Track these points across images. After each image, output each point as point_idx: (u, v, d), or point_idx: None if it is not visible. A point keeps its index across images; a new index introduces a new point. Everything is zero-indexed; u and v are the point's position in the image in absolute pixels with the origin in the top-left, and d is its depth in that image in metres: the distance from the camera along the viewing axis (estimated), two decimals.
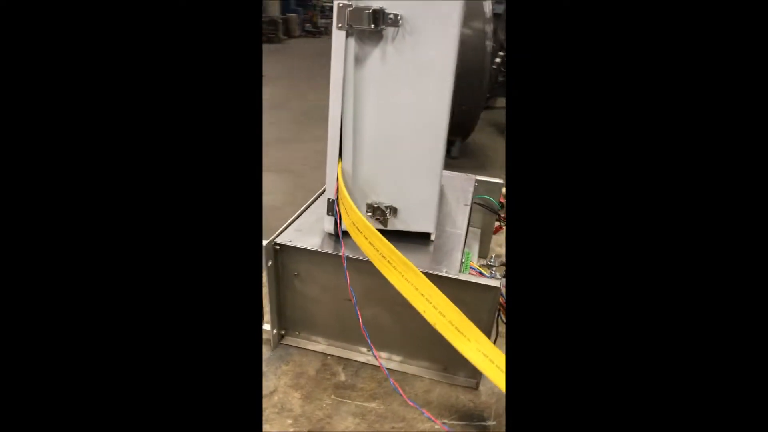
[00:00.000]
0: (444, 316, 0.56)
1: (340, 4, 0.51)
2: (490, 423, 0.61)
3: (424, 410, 0.58)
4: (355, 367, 0.68)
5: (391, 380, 0.59)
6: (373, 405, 0.62)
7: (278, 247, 0.64)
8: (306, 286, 0.66)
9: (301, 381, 0.65)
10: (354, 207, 0.59)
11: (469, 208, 0.78)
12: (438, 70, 0.54)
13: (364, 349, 0.69)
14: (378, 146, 0.59)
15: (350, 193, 0.62)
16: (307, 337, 0.71)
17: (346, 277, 0.59)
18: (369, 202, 0.62)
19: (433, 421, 0.59)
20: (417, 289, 0.56)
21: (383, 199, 0.62)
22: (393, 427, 0.59)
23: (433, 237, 0.66)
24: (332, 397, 0.63)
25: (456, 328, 0.57)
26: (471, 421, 0.61)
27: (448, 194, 0.82)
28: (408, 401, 0.58)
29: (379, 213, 0.62)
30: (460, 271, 0.61)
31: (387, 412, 0.61)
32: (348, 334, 0.69)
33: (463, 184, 0.86)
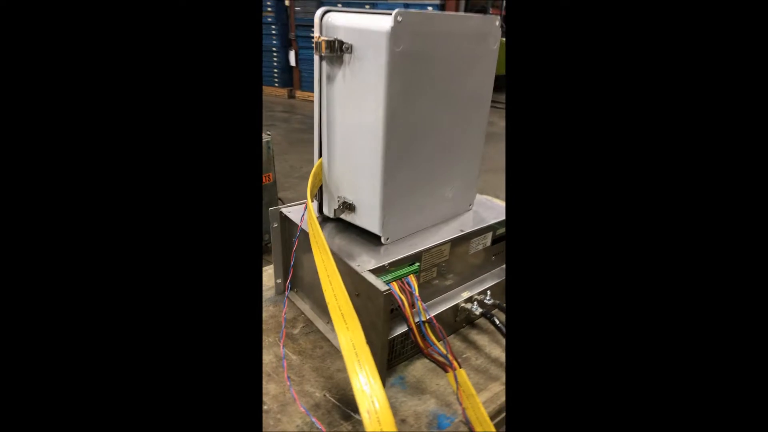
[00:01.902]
0: (336, 300, 0.64)
1: (316, 35, 0.66)
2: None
3: (300, 402, 0.68)
4: (311, 330, 0.81)
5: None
6: (294, 357, 0.75)
7: (283, 215, 0.84)
8: (299, 253, 0.84)
9: (270, 321, 0.83)
10: (308, 197, 0.73)
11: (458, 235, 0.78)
12: (372, 91, 0.63)
13: (326, 320, 0.81)
14: (341, 149, 0.72)
15: (327, 186, 0.76)
16: (300, 295, 0.88)
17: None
18: (338, 195, 0.75)
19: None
20: (325, 269, 0.66)
21: (347, 195, 0.74)
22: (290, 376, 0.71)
23: (383, 239, 0.73)
24: (275, 338, 0.79)
25: (342, 313, 0.64)
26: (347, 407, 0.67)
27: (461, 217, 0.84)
28: (294, 392, 0.69)
29: (344, 206, 0.74)
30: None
31: (300, 366, 0.73)
32: (321, 305, 0.82)
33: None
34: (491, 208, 0.88)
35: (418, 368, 0.74)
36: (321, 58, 0.67)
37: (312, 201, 0.73)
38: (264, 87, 6.80)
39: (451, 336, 0.82)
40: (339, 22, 0.64)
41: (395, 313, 0.67)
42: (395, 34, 0.59)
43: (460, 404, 0.64)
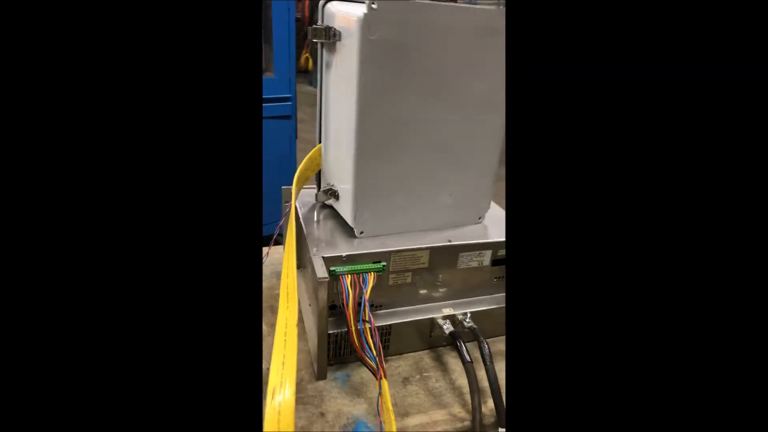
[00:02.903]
0: (287, 278, 0.65)
1: (318, 23, 0.69)
2: None
3: None
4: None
5: None
6: (266, 329, 0.78)
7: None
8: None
9: (265, 293, 0.88)
10: (295, 179, 0.75)
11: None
12: (349, 79, 0.62)
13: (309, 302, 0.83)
14: (332, 136, 0.72)
15: (322, 171, 0.78)
16: (302, 272, 0.92)
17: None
18: (327, 181, 0.76)
19: None
20: (288, 252, 0.68)
21: (334, 182, 0.74)
22: None
23: (357, 232, 0.71)
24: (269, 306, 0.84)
25: (287, 292, 0.64)
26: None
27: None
28: None
29: (329, 192, 0.75)
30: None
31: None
32: None
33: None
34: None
35: (369, 373, 0.71)
36: (321, 45, 0.69)
37: (296, 185, 0.75)
38: None
39: (425, 352, 0.76)
40: (334, 9, 0.65)
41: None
42: (368, 21, 0.57)
43: (379, 414, 0.60)
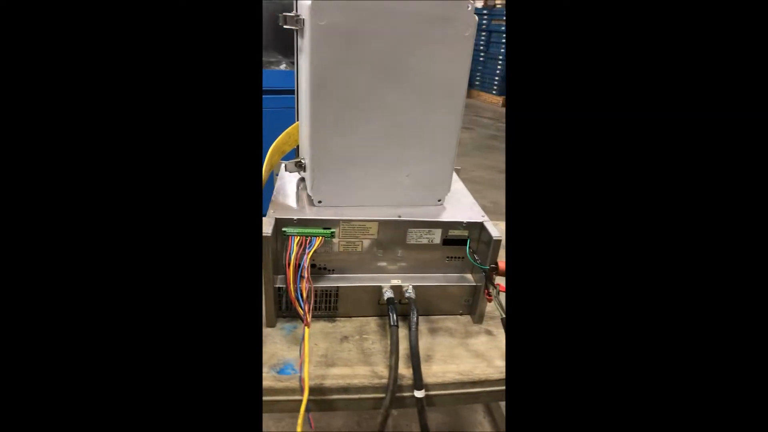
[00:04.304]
0: None
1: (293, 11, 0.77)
2: None
3: None
4: None
5: None
6: None
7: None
8: None
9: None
10: (270, 151, 0.84)
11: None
12: (306, 60, 0.70)
13: None
14: (302, 114, 0.81)
15: (300, 147, 0.86)
16: None
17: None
18: (301, 155, 0.85)
19: None
20: None
21: (303, 155, 0.83)
22: None
23: (315, 201, 0.79)
24: None
25: None
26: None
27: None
28: None
29: (297, 165, 0.84)
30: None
31: None
32: None
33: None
34: (468, 212, 0.82)
35: (318, 327, 0.79)
36: (295, 32, 0.78)
37: (270, 156, 0.85)
38: (479, 92, 6.95)
39: (373, 318, 0.82)
40: None
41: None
42: (317, 7, 0.65)
43: (300, 357, 0.67)
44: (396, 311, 0.74)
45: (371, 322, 0.81)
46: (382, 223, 0.77)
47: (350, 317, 0.82)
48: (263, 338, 0.75)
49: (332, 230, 0.76)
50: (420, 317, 0.83)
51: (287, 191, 0.86)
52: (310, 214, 0.76)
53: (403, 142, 0.78)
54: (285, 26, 0.75)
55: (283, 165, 0.85)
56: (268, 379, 0.67)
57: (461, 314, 0.85)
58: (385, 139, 0.77)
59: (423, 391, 0.67)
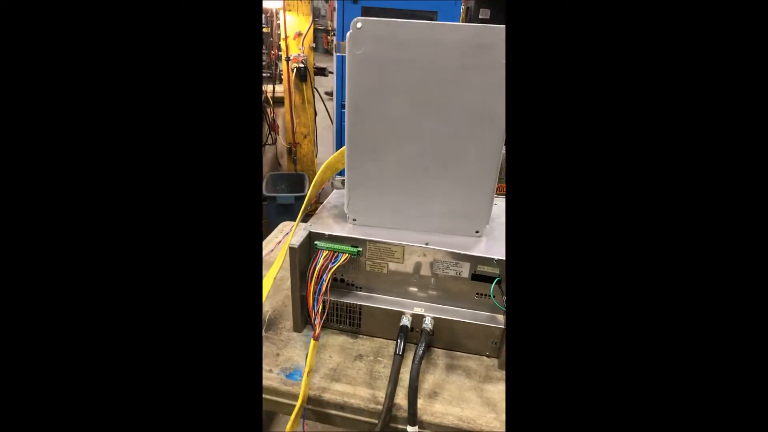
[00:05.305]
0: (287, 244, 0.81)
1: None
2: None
3: None
4: None
5: None
6: None
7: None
8: None
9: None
10: (314, 182, 0.89)
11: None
12: (347, 85, 0.73)
13: None
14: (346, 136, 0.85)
15: None
16: None
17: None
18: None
19: None
20: (297, 223, 0.83)
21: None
22: None
23: (348, 219, 0.82)
24: None
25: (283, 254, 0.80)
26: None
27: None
28: None
29: (342, 182, 0.88)
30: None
31: None
32: None
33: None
34: (504, 248, 0.77)
35: (339, 341, 0.81)
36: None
37: (322, 172, 0.90)
38: None
39: (393, 341, 0.82)
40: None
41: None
42: (354, 39, 0.68)
43: (305, 366, 0.71)
44: (405, 340, 0.73)
45: (390, 346, 0.81)
46: (407, 249, 0.77)
47: (372, 336, 0.83)
48: (286, 342, 0.81)
49: (359, 249, 0.78)
50: (443, 351, 0.80)
51: (333, 206, 0.91)
52: (341, 231, 0.80)
53: (438, 170, 0.76)
54: (338, 54, 0.80)
55: (331, 181, 0.90)
56: (275, 381, 0.72)
57: (488, 356, 0.80)
58: (420, 165, 0.76)
59: (416, 428, 0.65)
